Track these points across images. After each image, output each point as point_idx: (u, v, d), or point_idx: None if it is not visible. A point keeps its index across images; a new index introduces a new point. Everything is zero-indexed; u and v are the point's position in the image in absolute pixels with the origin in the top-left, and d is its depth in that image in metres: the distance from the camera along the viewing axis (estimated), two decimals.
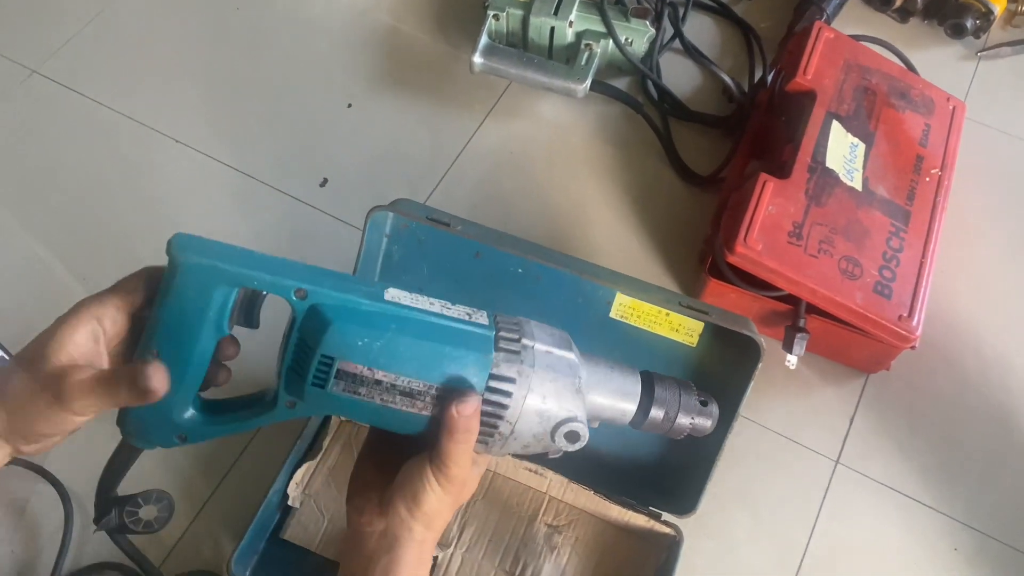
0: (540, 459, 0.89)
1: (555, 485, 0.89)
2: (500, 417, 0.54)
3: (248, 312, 0.53)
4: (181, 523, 0.89)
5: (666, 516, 0.87)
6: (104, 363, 0.51)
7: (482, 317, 0.56)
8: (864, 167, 1.01)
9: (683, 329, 0.85)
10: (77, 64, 1.19)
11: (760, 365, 0.79)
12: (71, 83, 1.17)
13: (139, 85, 1.18)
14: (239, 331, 0.53)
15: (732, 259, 0.93)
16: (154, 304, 0.51)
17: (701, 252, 1.05)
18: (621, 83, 1.21)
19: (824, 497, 0.94)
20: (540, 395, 0.54)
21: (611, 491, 0.88)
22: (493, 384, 0.53)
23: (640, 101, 1.16)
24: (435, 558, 0.85)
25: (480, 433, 0.54)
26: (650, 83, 1.19)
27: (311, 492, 0.88)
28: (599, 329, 0.86)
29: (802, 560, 0.91)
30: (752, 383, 0.80)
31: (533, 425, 0.54)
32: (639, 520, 0.87)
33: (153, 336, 0.51)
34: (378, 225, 0.85)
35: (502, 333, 0.55)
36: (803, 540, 0.92)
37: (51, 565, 0.84)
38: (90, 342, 0.50)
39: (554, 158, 1.16)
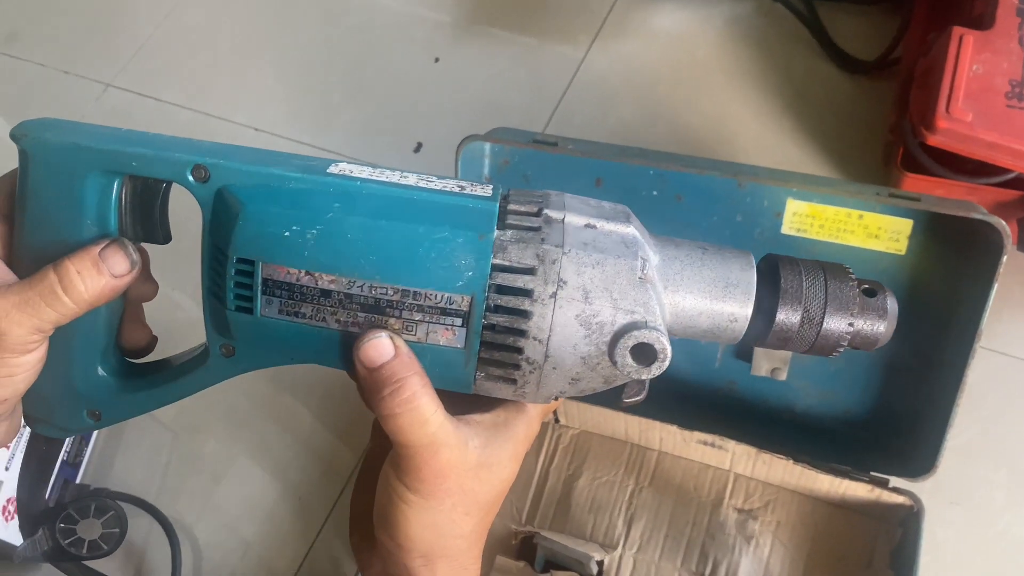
0: (703, 420, 0.70)
1: (740, 459, 0.70)
2: (521, 333, 0.35)
3: (146, 215, 0.38)
4: (299, 550, 0.76)
5: (895, 481, 0.66)
6: (10, 277, 0.37)
7: (483, 189, 0.37)
8: None
9: (885, 233, 0.64)
10: (150, 71, 1.11)
11: (1004, 258, 0.57)
12: (146, 90, 1.09)
13: (213, 80, 1.08)
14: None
15: (933, 139, 0.71)
16: (13, 216, 0.38)
17: (886, 146, 0.83)
18: None
19: None
20: (579, 290, 0.35)
21: (816, 457, 0.67)
22: (500, 280, 0.35)
23: None
24: (600, 563, 0.67)
25: (499, 366, 0.36)
26: None
27: None
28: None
29: None
30: (995, 288, 0.59)
31: (577, 340, 0.35)
32: (859, 490, 0.67)
33: (17, 257, 0.37)
34: (473, 164, 0.69)
35: (513, 206, 0.37)
36: None
37: None
38: None
39: (680, 75, 0.97)
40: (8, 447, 0.72)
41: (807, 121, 0.90)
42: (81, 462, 0.81)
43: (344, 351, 0.37)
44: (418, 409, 0.35)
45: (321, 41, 1.09)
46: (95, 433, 0.83)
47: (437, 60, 1.04)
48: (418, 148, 0.97)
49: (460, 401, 0.38)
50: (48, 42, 1.15)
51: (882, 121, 0.86)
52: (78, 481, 0.80)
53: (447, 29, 1.06)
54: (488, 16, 1.05)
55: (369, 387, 0.35)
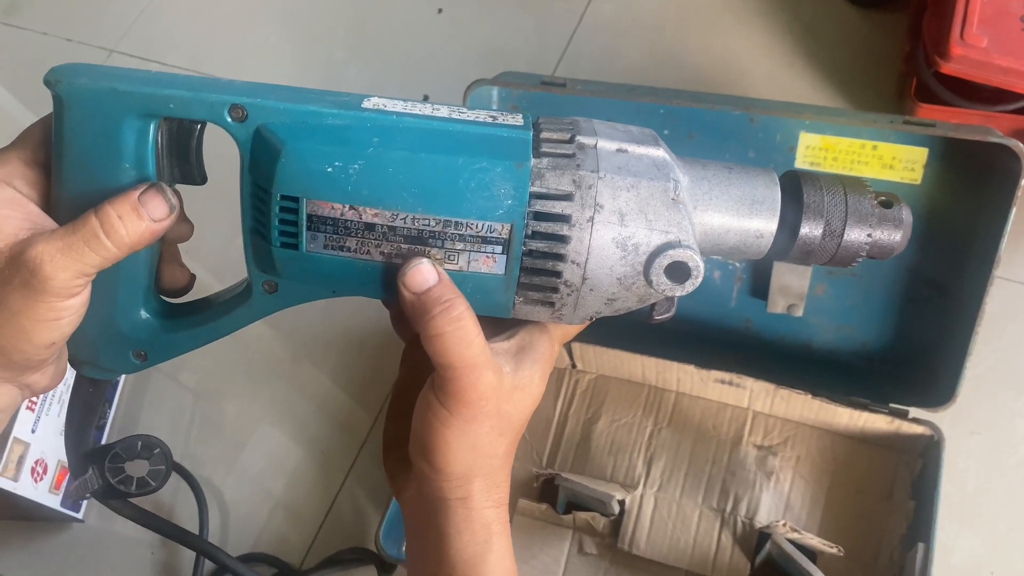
0: (720, 359, 0.70)
1: (759, 396, 0.70)
2: (560, 257, 0.36)
3: (182, 157, 0.38)
4: (324, 502, 0.77)
5: (914, 412, 0.66)
6: (50, 223, 0.37)
7: (514, 118, 0.38)
8: None
9: (899, 163, 0.63)
10: (152, 35, 1.10)
11: (1023, 183, 0.57)
12: (150, 55, 1.08)
13: (216, 41, 1.08)
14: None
15: (948, 68, 0.70)
16: (49, 164, 0.37)
17: (899, 78, 0.82)
18: None
19: None
20: (615, 214, 0.36)
21: (834, 391, 0.67)
22: (539, 207, 0.36)
23: None
24: (622, 503, 0.68)
25: (538, 290, 0.37)
26: None
27: None
28: None
29: None
30: (1013, 214, 0.58)
31: (613, 262, 0.37)
32: (878, 422, 0.67)
33: (56, 204, 0.37)
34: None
35: (545, 133, 0.37)
36: None
37: (192, 563, 0.75)
38: (16, 210, 0.36)
39: (687, 15, 0.95)
40: (34, 410, 0.73)
41: (818, 58, 0.89)
42: (105, 424, 0.82)
43: (387, 281, 0.38)
44: (465, 328, 0.36)
45: None
46: (118, 395, 0.84)
47: (440, 11, 1.03)
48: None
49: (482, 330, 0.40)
50: (50, 10, 1.14)
51: (894, 53, 0.85)
52: (103, 443, 0.82)
53: None
54: None
55: (417, 310, 0.36)
